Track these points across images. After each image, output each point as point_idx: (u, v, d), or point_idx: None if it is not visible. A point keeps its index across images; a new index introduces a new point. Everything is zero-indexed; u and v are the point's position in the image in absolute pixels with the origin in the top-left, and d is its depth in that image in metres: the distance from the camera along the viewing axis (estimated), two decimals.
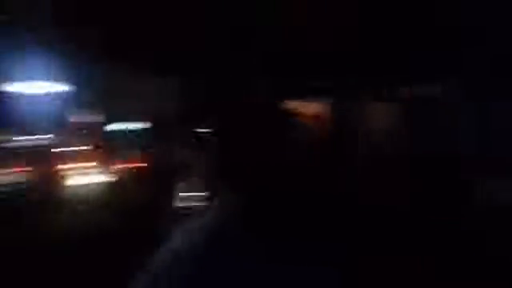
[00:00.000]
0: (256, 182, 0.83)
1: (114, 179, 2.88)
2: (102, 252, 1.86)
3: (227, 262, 0.70)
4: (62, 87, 2.81)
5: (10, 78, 2.55)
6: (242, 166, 0.85)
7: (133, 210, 2.23)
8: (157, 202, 2.02)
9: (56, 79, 2.49)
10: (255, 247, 0.73)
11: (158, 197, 2.03)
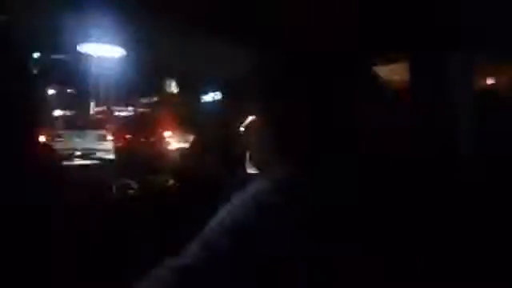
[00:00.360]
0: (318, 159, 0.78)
1: (189, 146, 2.98)
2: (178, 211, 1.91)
3: (274, 234, 0.69)
4: (133, 52, 2.80)
5: (82, 40, 2.57)
6: (301, 141, 0.82)
7: (203, 176, 2.25)
8: (228, 169, 1.99)
9: (129, 43, 2.48)
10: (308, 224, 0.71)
11: (229, 164, 2.00)
